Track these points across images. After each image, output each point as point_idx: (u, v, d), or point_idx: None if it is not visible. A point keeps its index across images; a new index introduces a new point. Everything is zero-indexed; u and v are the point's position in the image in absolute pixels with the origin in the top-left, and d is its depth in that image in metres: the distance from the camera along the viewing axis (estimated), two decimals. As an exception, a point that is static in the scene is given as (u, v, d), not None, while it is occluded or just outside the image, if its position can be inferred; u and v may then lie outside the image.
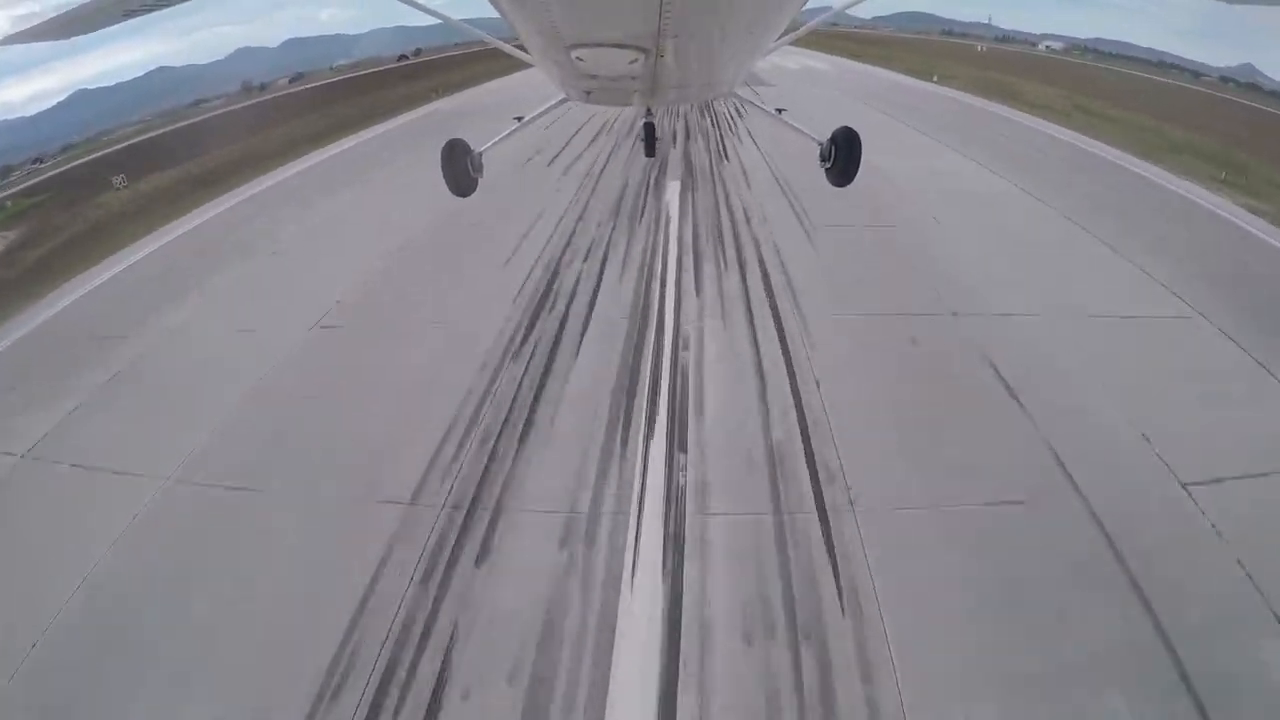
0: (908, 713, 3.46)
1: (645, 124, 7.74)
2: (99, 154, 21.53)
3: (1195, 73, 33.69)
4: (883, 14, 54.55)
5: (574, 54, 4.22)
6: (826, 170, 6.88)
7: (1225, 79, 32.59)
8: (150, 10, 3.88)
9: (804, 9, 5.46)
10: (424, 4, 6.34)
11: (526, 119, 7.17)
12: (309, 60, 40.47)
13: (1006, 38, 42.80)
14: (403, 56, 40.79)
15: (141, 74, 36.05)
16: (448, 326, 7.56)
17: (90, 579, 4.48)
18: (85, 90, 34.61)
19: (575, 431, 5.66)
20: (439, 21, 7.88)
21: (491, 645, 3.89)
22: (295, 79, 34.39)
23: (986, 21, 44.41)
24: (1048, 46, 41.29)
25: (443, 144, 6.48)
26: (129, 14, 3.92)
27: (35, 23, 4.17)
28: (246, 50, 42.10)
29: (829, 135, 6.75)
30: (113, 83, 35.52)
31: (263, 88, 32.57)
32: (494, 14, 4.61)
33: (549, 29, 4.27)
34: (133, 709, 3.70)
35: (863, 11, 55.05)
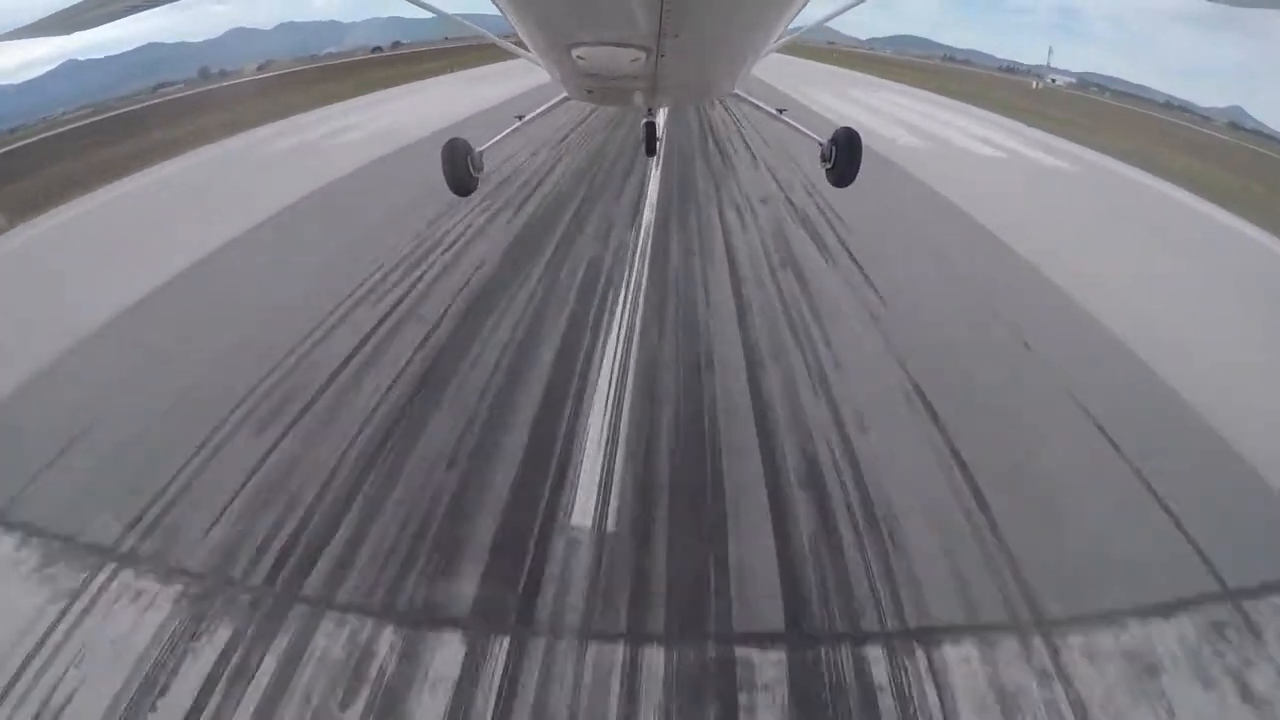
0: None
1: (646, 123, 8.07)
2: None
3: (1205, 115, 35.12)
4: (879, 35, 56.85)
5: (575, 53, 4.43)
6: (827, 171, 7.25)
7: (1234, 125, 33.84)
8: (152, 6, 4.04)
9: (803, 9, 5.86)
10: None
11: (527, 117, 7.43)
12: (301, 45, 40.76)
13: (1011, 68, 44.57)
14: (377, 49, 41.26)
15: (132, 48, 35.55)
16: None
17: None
18: (75, 61, 34.08)
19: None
20: (433, 15, 8.19)
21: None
22: (263, 66, 34.52)
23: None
24: (1054, 80, 42.45)
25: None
26: (130, 9, 4.07)
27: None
28: (240, 31, 42.31)
29: (829, 135, 7.16)
30: (103, 55, 34.84)
31: (223, 73, 32.56)
32: (492, 10, 4.88)
33: (549, 27, 4.50)
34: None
35: (859, 32, 57.23)
